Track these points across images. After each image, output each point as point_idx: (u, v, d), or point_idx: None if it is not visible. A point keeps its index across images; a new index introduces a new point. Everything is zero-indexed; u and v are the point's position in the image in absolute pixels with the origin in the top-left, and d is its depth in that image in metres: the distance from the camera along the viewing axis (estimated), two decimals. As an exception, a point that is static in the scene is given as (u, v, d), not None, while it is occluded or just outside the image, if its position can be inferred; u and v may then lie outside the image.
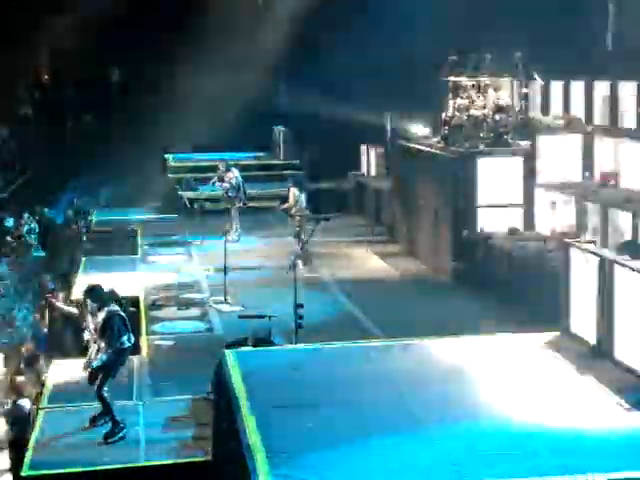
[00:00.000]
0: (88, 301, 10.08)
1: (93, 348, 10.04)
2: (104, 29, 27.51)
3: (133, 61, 28.60)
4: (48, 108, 28.71)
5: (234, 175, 20.33)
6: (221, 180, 20.65)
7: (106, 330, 9.71)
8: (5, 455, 11.01)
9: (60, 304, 13.82)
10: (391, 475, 7.02)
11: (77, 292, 15.33)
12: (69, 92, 30.04)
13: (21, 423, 10.65)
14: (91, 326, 10.08)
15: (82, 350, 12.38)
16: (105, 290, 10.09)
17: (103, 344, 9.74)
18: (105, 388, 9.82)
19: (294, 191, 18.82)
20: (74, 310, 13.87)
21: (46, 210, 22.84)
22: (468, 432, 7.69)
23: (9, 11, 27.52)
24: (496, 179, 16.58)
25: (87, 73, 30.56)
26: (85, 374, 10.07)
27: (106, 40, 27.64)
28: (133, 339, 10.02)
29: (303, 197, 18.75)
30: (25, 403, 11.76)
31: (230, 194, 20.19)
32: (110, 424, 9.87)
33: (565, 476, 6.80)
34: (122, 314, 9.91)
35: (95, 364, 9.75)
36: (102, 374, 9.79)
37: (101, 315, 9.80)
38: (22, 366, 13.47)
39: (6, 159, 25.95)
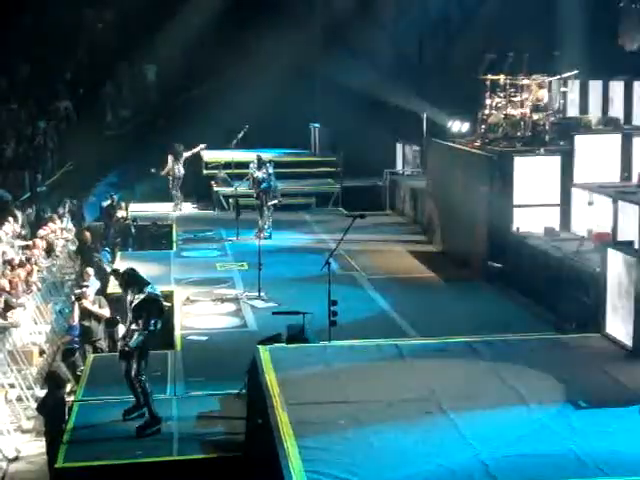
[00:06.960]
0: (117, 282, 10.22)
1: (126, 326, 10.10)
2: (142, 26, 27.67)
3: (171, 58, 28.69)
4: (86, 103, 28.90)
5: (267, 171, 20.26)
6: (256, 175, 20.56)
7: (141, 313, 9.76)
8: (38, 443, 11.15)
9: (90, 306, 13.72)
10: (422, 471, 7.02)
11: (112, 286, 15.46)
12: (107, 88, 30.22)
13: (59, 386, 10.72)
14: (128, 299, 10.09)
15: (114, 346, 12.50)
16: (134, 273, 10.11)
17: (134, 325, 9.80)
18: (143, 376, 9.85)
19: (171, 158, 23.39)
20: (102, 312, 13.75)
21: (73, 202, 23.05)
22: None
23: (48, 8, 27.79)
24: (533, 178, 16.44)
25: (125, 69, 30.77)
26: (118, 355, 10.13)
27: (143, 36, 27.78)
28: (160, 324, 10.00)
29: (180, 167, 23.54)
30: (62, 367, 11.85)
31: (263, 189, 20.09)
32: (145, 417, 9.92)
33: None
34: (156, 298, 9.91)
35: (132, 344, 9.77)
36: (136, 355, 9.81)
37: (131, 296, 9.87)
38: (59, 359, 13.60)
39: (45, 153, 26.18)
